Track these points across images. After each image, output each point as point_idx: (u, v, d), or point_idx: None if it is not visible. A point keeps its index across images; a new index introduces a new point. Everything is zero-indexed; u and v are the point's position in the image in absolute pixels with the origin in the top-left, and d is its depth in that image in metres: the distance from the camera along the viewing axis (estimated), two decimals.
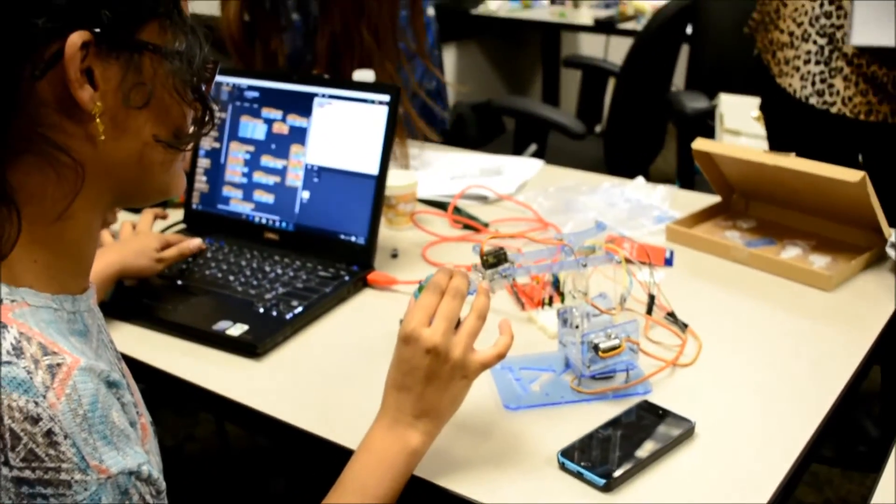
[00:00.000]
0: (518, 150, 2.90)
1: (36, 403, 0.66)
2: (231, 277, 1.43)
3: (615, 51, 4.78)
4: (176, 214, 1.66)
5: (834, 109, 1.95)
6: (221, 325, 1.29)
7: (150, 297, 1.38)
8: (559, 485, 1.00)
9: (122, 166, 0.77)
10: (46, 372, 0.67)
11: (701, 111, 2.72)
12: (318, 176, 1.50)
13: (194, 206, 1.62)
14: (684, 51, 3.25)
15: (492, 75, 4.50)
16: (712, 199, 1.73)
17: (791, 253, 1.50)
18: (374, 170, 1.45)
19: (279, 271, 1.44)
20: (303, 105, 1.52)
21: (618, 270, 1.29)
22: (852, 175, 1.37)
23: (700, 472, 1.01)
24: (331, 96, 1.50)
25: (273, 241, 1.54)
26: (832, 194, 1.46)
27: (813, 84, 1.96)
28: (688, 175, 2.80)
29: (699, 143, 1.58)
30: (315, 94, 1.51)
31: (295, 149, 1.52)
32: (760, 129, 2.74)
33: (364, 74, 1.67)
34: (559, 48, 4.64)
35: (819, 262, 1.46)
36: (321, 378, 1.22)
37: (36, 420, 0.65)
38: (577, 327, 1.15)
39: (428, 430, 0.96)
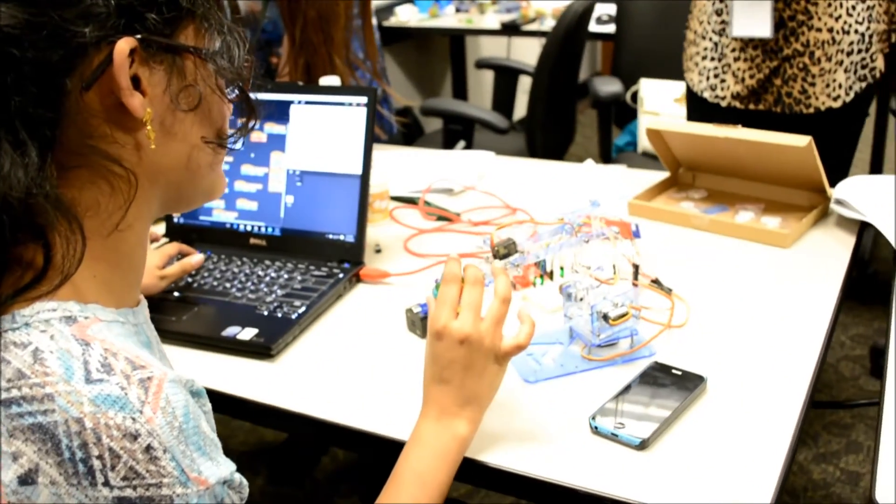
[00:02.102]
0: (447, 147, 2.89)
1: (133, 419, 0.60)
2: (228, 285, 1.37)
3: (516, 51, 4.83)
4: (156, 228, 1.58)
5: (724, 104, 1.98)
6: (231, 331, 1.23)
7: (157, 311, 1.30)
8: (593, 448, 0.98)
9: (171, 171, 0.73)
10: (139, 387, 0.62)
11: (613, 95, 2.76)
12: (301, 180, 1.45)
13: (175, 220, 1.54)
14: (609, 44, 3.34)
15: (406, 81, 4.46)
16: (658, 175, 1.75)
17: (745, 217, 1.52)
18: (357, 169, 1.41)
19: (273, 275, 1.39)
20: (279, 113, 1.46)
21: (604, 244, 1.28)
22: (800, 140, 1.40)
23: (719, 422, 1.01)
24: (307, 102, 1.45)
25: (260, 246, 1.48)
26: (778, 160, 1.48)
27: (707, 79, 2.00)
28: (607, 154, 2.84)
29: (652, 124, 1.59)
30: (291, 102, 1.45)
31: (275, 156, 1.47)
32: (679, 110, 2.82)
33: (330, 80, 1.62)
34: (465, 52, 4.64)
35: (771, 223, 1.49)
36: (336, 371, 1.17)
37: (135, 437, 0.60)
38: (581, 299, 1.13)
39: (472, 416, 0.94)
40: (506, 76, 3.70)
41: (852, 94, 1.88)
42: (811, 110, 1.88)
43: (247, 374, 1.18)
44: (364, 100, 1.41)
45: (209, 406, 0.71)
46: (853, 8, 1.80)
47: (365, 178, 1.41)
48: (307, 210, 1.44)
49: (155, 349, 0.77)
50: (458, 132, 2.94)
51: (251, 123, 0.78)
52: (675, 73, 2.95)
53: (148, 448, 0.60)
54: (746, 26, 1.85)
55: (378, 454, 1.03)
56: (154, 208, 0.75)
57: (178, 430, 0.62)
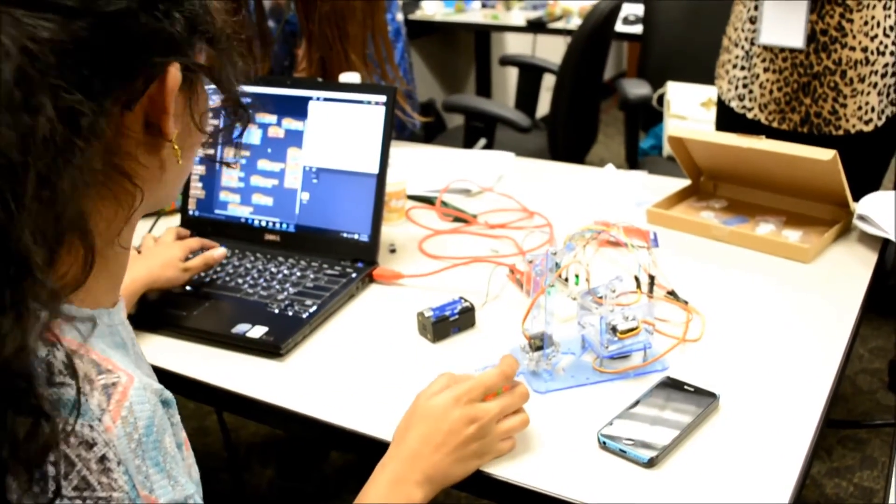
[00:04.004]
0: (468, 145, 2.88)
1: (91, 427, 0.58)
2: (240, 280, 1.36)
3: (541, 49, 4.80)
4: (170, 221, 1.57)
5: (751, 115, 1.93)
6: (241, 328, 1.22)
7: (169, 305, 1.29)
8: (601, 463, 0.96)
9: (172, 181, 0.73)
10: (102, 393, 0.60)
11: (642, 97, 2.73)
12: (317, 177, 1.44)
13: (191, 213, 1.53)
14: (635, 44, 3.30)
15: (429, 75, 4.44)
16: (679, 183, 1.72)
17: (765, 229, 1.50)
18: (374, 168, 1.39)
19: (285, 272, 1.38)
20: (298, 109, 1.45)
21: (621, 254, 1.26)
22: (824, 154, 1.37)
23: (730, 442, 0.99)
24: (326, 99, 1.43)
25: (274, 242, 1.47)
26: (802, 172, 1.46)
27: (736, 88, 1.95)
28: (633, 158, 2.81)
29: (674, 131, 1.57)
30: (310, 98, 1.44)
31: (292, 152, 1.45)
32: (705, 114, 2.79)
33: (350, 77, 1.61)
34: (489, 48, 4.62)
35: (792, 236, 1.46)
36: (345, 374, 1.16)
37: (91, 445, 0.58)
38: (596, 310, 1.11)
39: (430, 492, 0.91)
40: (530, 74, 3.68)
41: (884, 119, 1.81)
42: (840, 132, 1.82)
43: (255, 373, 1.17)
44: (383, 98, 1.39)
45: (178, 417, 0.69)
46: (891, 28, 1.73)
47: (381, 177, 1.39)
48: (322, 207, 1.43)
49: (130, 350, 0.75)
50: (480, 129, 2.92)
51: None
52: (702, 76, 2.93)
53: (102, 458, 0.58)
54: (777, 34, 1.78)
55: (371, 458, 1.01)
56: (140, 216, 0.74)
57: (136, 443, 0.60)
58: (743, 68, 1.92)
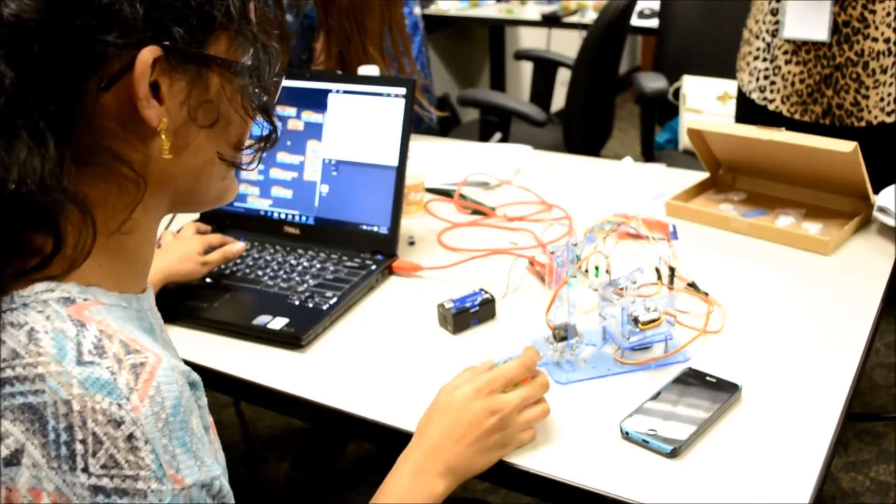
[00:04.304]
0: (484, 139, 2.88)
1: (119, 406, 0.59)
2: (260, 273, 1.36)
3: (556, 43, 4.79)
4: (190, 216, 1.58)
5: (772, 107, 1.92)
6: (262, 320, 1.23)
7: (189, 297, 1.30)
8: (623, 454, 0.97)
9: (181, 178, 0.72)
10: (130, 372, 0.61)
11: (658, 91, 2.72)
12: (337, 169, 1.44)
13: None
14: (650, 39, 3.30)
15: (444, 70, 4.45)
16: (697, 175, 1.72)
17: (785, 222, 1.49)
18: (393, 161, 1.40)
19: (305, 264, 1.38)
20: (317, 101, 1.45)
21: (641, 246, 1.26)
22: (845, 146, 1.37)
23: (753, 432, 0.99)
24: (346, 92, 1.44)
25: (293, 234, 1.47)
26: (822, 164, 1.45)
27: (757, 80, 1.94)
28: (649, 151, 2.80)
29: (692, 123, 1.56)
30: (329, 91, 1.45)
31: (311, 144, 1.46)
32: (721, 108, 2.78)
33: (369, 70, 1.61)
34: (504, 42, 4.61)
35: (812, 228, 1.46)
36: (366, 364, 1.17)
37: (119, 423, 0.59)
38: (618, 301, 1.11)
39: (452, 483, 0.92)
40: (545, 68, 3.67)
41: None
42: (863, 123, 1.81)
43: (276, 364, 1.18)
44: (403, 91, 1.40)
45: (205, 400, 0.70)
46: None
47: (401, 169, 1.40)
48: (342, 200, 1.44)
49: (158, 337, 0.76)
50: (495, 123, 2.92)
51: (269, 145, 0.77)
52: (718, 70, 2.92)
53: (130, 437, 0.59)
54: (801, 28, 1.77)
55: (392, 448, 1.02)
56: (162, 209, 0.74)
57: (163, 423, 0.61)
58: (765, 60, 1.92)
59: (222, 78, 0.70)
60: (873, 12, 1.70)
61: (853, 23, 1.73)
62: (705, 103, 2.91)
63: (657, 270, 1.16)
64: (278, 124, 0.78)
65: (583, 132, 3.08)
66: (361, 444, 2.36)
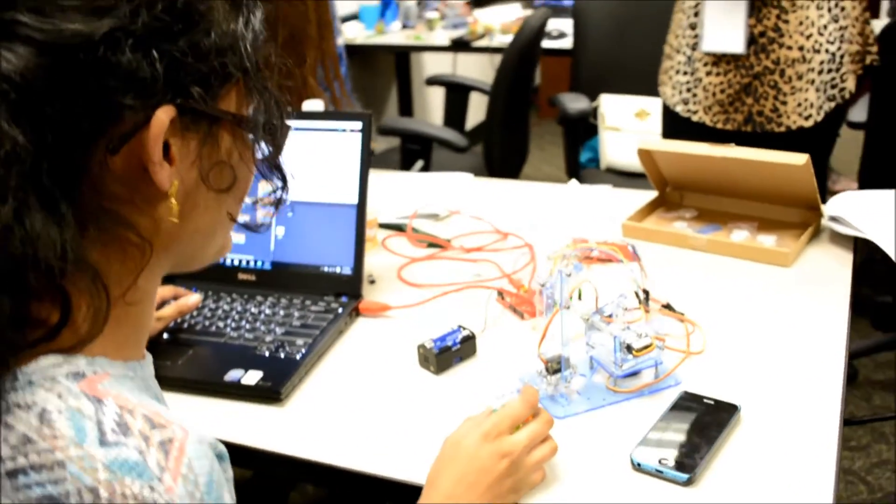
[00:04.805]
0: (405, 167, 2.86)
1: (151, 488, 0.54)
2: (221, 324, 1.30)
3: (462, 67, 4.82)
4: None
5: (695, 118, 1.99)
6: (234, 375, 1.17)
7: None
8: (636, 485, 0.95)
9: (187, 240, 0.68)
10: (159, 450, 0.56)
11: (582, 111, 2.75)
12: (292, 210, 1.39)
13: None
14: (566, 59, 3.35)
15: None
16: (643, 195, 1.73)
17: (740, 236, 1.52)
18: (353, 199, 1.36)
19: (267, 311, 1.32)
20: None
21: (609, 269, 1.25)
22: (797, 159, 1.40)
23: (758, 450, 0.99)
24: (298, 129, 1.39)
25: (249, 281, 1.41)
26: (774, 178, 1.48)
27: (680, 93, 2.01)
28: (575, 172, 2.83)
29: (643, 144, 1.58)
30: None
31: (263, 185, 1.40)
32: (640, 125, 2.84)
33: (313, 104, 1.57)
34: (409, 68, 4.61)
35: (767, 241, 1.49)
36: (349, 414, 1.12)
37: None
38: (606, 328, 1.10)
39: None
40: (457, 93, 3.69)
41: (823, 114, 1.89)
42: (783, 129, 1.89)
43: (254, 421, 1.12)
44: (359, 125, 1.36)
45: (231, 473, 0.65)
46: (825, 27, 1.81)
47: (361, 207, 1.36)
48: (300, 242, 1.38)
49: (163, 405, 0.71)
50: (417, 151, 2.90)
51: (282, 200, 0.74)
52: (634, 88, 2.99)
53: None
54: (718, 41, 1.85)
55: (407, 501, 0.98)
56: (163, 272, 0.70)
57: (198, 503, 0.56)
58: (685, 73, 1.98)
59: (233, 134, 0.66)
60: (787, 22, 1.79)
61: (768, 33, 1.82)
62: (624, 121, 2.96)
63: (637, 294, 1.16)
64: (290, 177, 0.74)
65: (503, 155, 3.09)
66: (305, 491, 2.28)
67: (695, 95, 1.97)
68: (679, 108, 2.02)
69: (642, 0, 3.06)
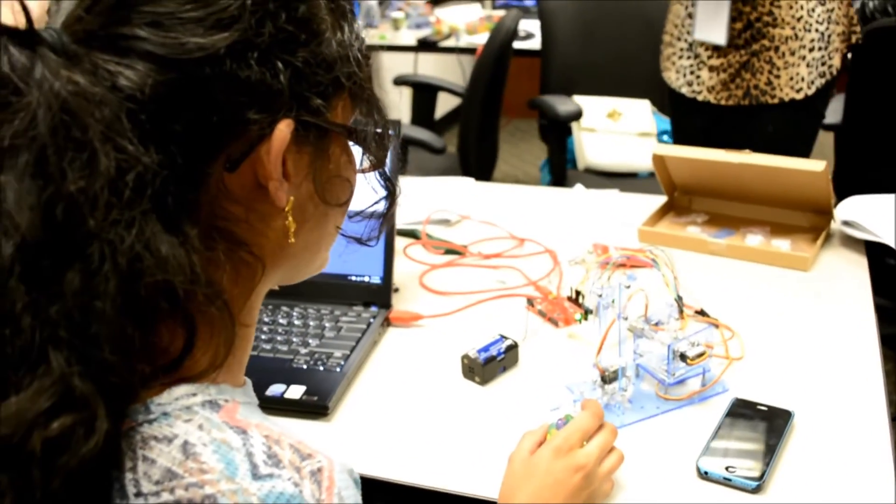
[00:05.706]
0: None
1: None
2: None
3: (423, 67, 4.81)
4: None
5: (700, 97, 2.14)
6: (275, 390, 1.15)
7: None
8: (703, 493, 0.97)
9: (298, 255, 0.66)
10: (312, 480, 0.54)
11: (573, 114, 2.77)
12: None
13: None
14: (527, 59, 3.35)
15: None
16: (651, 199, 1.75)
17: (754, 241, 1.54)
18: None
19: (298, 322, 1.30)
20: None
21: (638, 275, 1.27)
22: (815, 165, 1.43)
23: (815, 454, 1.01)
24: None
25: (274, 291, 1.38)
26: (788, 183, 1.51)
27: (684, 76, 2.16)
28: (562, 173, 2.85)
29: (657, 149, 1.60)
30: None
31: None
32: (613, 125, 2.89)
33: None
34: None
35: (783, 245, 1.52)
36: (397, 426, 1.11)
37: None
38: (656, 337, 1.11)
39: None
40: (425, 93, 3.68)
41: (814, 88, 2.04)
42: (776, 101, 2.04)
43: (301, 437, 1.10)
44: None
45: (360, 498, 0.64)
46: (813, 10, 1.98)
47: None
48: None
49: None
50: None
51: (391, 212, 0.72)
52: (603, 89, 3.03)
53: None
54: (705, 32, 2.04)
55: None
56: (269, 288, 0.68)
57: None
58: (689, 58, 2.15)
59: (341, 146, 0.64)
60: (779, 7, 1.97)
61: (764, 17, 1.99)
62: (598, 121, 3.00)
63: (676, 301, 1.17)
64: (398, 188, 0.73)
65: (478, 158, 3.10)
66: None
67: (698, 77, 2.12)
68: (684, 90, 2.17)
69: (607, 0, 3.11)
